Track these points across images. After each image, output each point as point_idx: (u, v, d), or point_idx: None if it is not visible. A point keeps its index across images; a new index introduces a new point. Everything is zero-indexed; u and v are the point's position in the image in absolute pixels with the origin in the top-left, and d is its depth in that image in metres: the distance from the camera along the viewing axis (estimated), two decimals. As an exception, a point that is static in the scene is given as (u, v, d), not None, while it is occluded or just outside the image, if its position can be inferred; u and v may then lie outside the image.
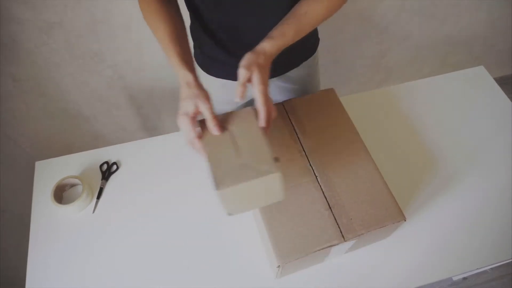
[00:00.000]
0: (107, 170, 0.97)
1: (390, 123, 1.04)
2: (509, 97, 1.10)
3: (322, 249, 0.69)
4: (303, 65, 1.00)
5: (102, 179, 0.95)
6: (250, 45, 0.77)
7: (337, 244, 0.69)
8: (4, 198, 1.38)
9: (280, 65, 0.93)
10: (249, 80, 0.65)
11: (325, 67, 1.64)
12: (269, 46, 0.68)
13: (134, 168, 0.98)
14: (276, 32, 0.69)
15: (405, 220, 0.72)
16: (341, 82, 1.84)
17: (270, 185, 0.60)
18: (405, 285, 0.80)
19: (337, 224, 0.71)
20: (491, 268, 1.59)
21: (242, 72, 0.64)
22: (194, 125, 0.64)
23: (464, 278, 1.60)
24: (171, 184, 0.94)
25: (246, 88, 0.65)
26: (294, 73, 1.00)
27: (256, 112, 0.64)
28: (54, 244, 0.87)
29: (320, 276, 0.81)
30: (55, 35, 1.17)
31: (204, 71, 0.99)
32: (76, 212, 0.90)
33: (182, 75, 0.67)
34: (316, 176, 0.76)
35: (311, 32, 0.90)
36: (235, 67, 0.83)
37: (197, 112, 0.64)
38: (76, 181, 0.93)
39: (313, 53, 1.01)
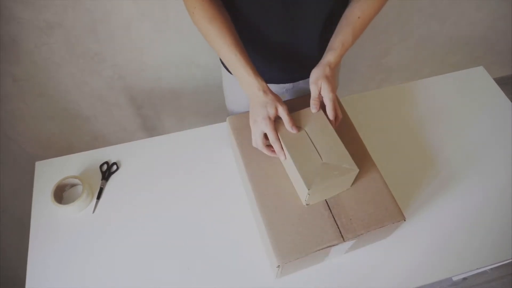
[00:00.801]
0: (107, 170, 0.97)
1: (390, 123, 1.04)
2: (509, 98, 1.10)
3: (322, 249, 0.69)
4: None
5: (102, 179, 0.95)
6: (277, 48, 0.86)
7: (337, 244, 0.70)
8: (4, 198, 1.38)
9: (308, 68, 0.95)
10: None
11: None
12: (333, 58, 0.76)
13: (134, 168, 0.98)
14: (336, 43, 0.76)
15: (404, 220, 0.72)
16: (341, 83, 1.83)
17: (347, 179, 0.71)
18: (405, 285, 0.80)
19: (337, 224, 0.71)
20: (491, 269, 1.59)
21: (312, 88, 0.75)
22: (275, 127, 0.73)
23: (464, 279, 1.60)
24: (171, 184, 0.94)
25: (320, 99, 0.76)
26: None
27: (322, 113, 0.74)
28: (54, 244, 0.87)
29: (320, 276, 0.81)
30: (55, 35, 1.17)
31: (228, 70, 1.00)
32: (76, 212, 0.90)
33: (257, 83, 0.73)
34: None
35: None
36: (262, 68, 0.87)
37: (276, 116, 0.73)
38: (76, 181, 0.93)
39: None
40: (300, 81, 1.02)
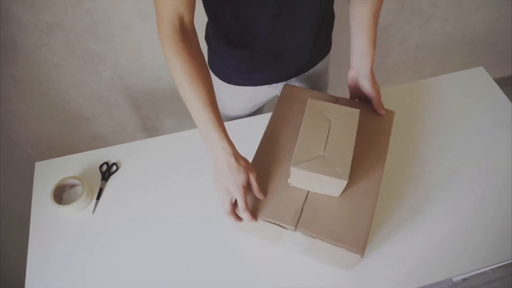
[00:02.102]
0: (107, 171, 0.97)
1: (390, 124, 1.04)
2: (509, 98, 1.10)
3: (272, 223, 0.72)
4: (320, 62, 1.02)
5: (102, 180, 0.95)
6: (270, 48, 0.86)
7: (286, 229, 0.72)
8: (4, 198, 1.38)
9: (301, 66, 0.96)
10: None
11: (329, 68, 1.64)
12: (371, 63, 0.80)
13: (134, 169, 0.98)
14: (371, 50, 0.80)
15: (361, 256, 0.69)
16: (342, 83, 1.83)
17: (334, 184, 0.70)
18: (405, 286, 0.80)
19: (300, 215, 0.72)
20: (491, 269, 1.59)
21: (373, 95, 0.81)
22: (246, 196, 0.71)
23: (464, 279, 1.60)
24: (171, 184, 0.94)
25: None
26: (311, 71, 1.02)
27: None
28: (54, 244, 0.87)
29: (320, 275, 0.81)
30: (55, 35, 1.17)
31: (218, 77, 1.01)
32: (76, 212, 0.90)
33: (228, 148, 0.71)
34: None
35: (330, 29, 0.94)
36: (249, 74, 0.93)
37: (247, 182, 0.71)
38: (76, 181, 0.93)
39: (329, 51, 1.04)
40: (293, 79, 1.02)
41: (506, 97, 1.10)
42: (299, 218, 0.72)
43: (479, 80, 1.14)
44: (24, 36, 1.14)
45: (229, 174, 0.70)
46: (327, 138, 0.73)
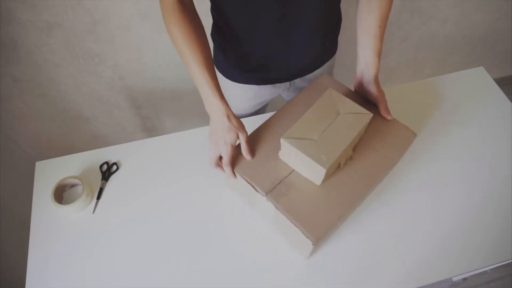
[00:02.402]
0: (107, 171, 0.97)
1: (390, 124, 1.04)
2: (509, 98, 1.10)
3: (248, 183, 0.77)
4: (324, 65, 1.03)
5: (102, 180, 0.95)
6: (273, 49, 0.88)
7: (258, 192, 0.76)
8: (4, 198, 1.38)
9: (306, 67, 0.96)
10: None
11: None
12: (376, 71, 0.83)
13: (134, 169, 0.98)
14: (372, 56, 0.82)
15: (313, 244, 0.71)
16: (342, 83, 1.84)
17: (315, 170, 0.73)
18: (405, 285, 0.80)
19: (277, 185, 0.76)
20: (491, 269, 1.59)
21: (380, 100, 0.84)
22: (233, 152, 0.78)
23: (464, 279, 1.60)
24: (171, 184, 0.94)
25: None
26: (316, 72, 1.03)
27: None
28: (54, 244, 0.87)
29: (320, 275, 0.81)
30: (56, 35, 1.17)
31: (225, 76, 1.02)
32: (76, 212, 0.90)
33: (220, 107, 0.77)
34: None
35: (337, 31, 0.94)
36: (254, 72, 0.96)
37: (236, 141, 0.78)
38: (76, 181, 0.93)
39: (335, 53, 1.04)
40: (297, 79, 1.02)
41: (506, 97, 1.10)
42: (273, 188, 0.76)
43: (479, 80, 1.14)
44: (24, 36, 1.14)
45: (220, 131, 0.77)
46: (327, 127, 0.75)
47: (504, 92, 1.11)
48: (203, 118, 1.72)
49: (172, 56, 1.38)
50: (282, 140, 0.74)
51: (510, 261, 0.87)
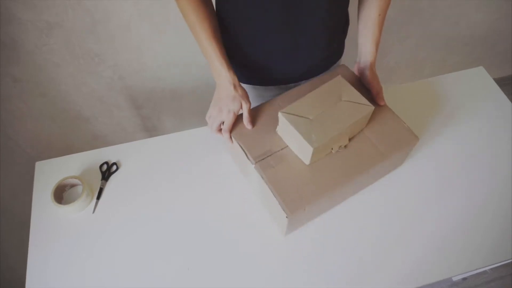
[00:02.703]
0: (107, 171, 0.97)
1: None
2: (509, 98, 1.10)
3: (241, 149, 0.81)
4: (330, 68, 1.03)
5: (102, 180, 0.95)
6: (278, 50, 0.89)
7: (249, 159, 0.80)
8: (4, 198, 1.38)
9: (312, 69, 0.96)
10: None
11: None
12: (373, 58, 0.87)
13: (134, 169, 0.98)
14: (370, 44, 0.86)
15: (286, 217, 0.73)
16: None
17: (304, 148, 0.75)
18: (405, 285, 0.80)
19: (265, 158, 0.80)
20: (491, 269, 1.59)
21: (374, 85, 0.86)
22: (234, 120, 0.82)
23: (464, 279, 1.60)
24: (170, 184, 0.95)
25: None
26: (322, 75, 1.02)
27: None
28: (54, 244, 0.87)
29: (320, 275, 0.81)
30: (56, 35, 1.17)
31: None
32: (76, 212, 0.90)
33: (228, 76, 0.80)
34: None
35: (344, 35, 0.95)
36: (259, 73, 0.97)
37: (239, 110, 0.82)
38: (76, 181, 0.93)
39: (341, 56, 1.04)
40: (302, 82, 1.02)
41: (506, 97, 1.10)
42: (263, 159, 0.80)
43: (479, 80, 1.14)
44: (24, 36, 1.14)
45: (225, 99, 0.81)
46: (326, 110, 0.77)
47: (504, 92, 1.11)
48: (203, 118, 1.72)
49: (172, 56, 1.38)
50: (279, 114, 0.77)
51: (510, 261, 0.87)
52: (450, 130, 1.03)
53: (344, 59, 1.08)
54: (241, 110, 0.82)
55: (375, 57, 0.87)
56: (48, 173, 0.96)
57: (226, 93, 0.80)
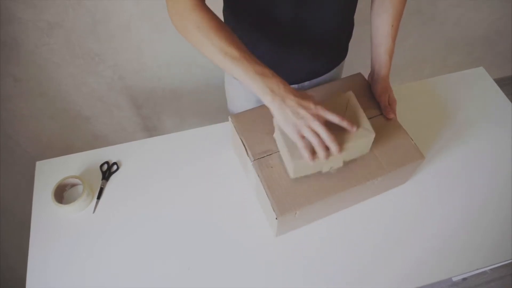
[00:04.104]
0: (108, 170, 0.97)
1: (390, 124, 1.04)
2: (509, 98, 1.10)
3: (243, 144, 0.82)
4: (334, 69, 1.03)
5: (102, 179, 0.95)
6: (285, 50, 0.87)
7: (248, 156, 0.80)
8: (4, 198, 1.38)
9: (315, 70, 0.96)
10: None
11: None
12: (387, 70, 0.85)
13: (135, 168, 0.98)
14: (383, 56, 0.84)
15: (276, 218, 0.73)
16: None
17: (288, 161, 0.75)
18: (405, 285, 0.80)
19: (265, 156, 0.80)
20: (491, 269, 1.59)
21: (382, 99, 0.85)
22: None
23: (464, 279, 1.60)
24: (171, 184, 0.95)
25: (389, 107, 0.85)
26: (324, 76, 1.02)
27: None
28: (55, 244, 0.87)
29: (321, 275, 0.81)
30: (56, 35, 1.17)
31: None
32: (77, 212, 0.90)
33: (280, 82, 0.64)
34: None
35: (349, 38, 0.95)
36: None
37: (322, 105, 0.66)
38: (77, 181, 0.93)
39: (344, 58, 1.04)
40: (306, 83, 1.02)
41: (506, 98, 1.10)
42: (262, 157, 0.80)
43: (479, 81, 1.14)
44: (24, 35, 1.14)
45: (297, 106, 0.62)
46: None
47: (504, 92, 1.11)
48: (203, 118, 1.72)
49: (172, 56, 1.38)
50: (274, 121, 0.73)
51: (510, 261, 0.87)
52: (450, 130, 1.03)
53: (347, 60, 1.08)
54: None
55: (389, 69, 0.85)
56: (49, 173, 0.96)
57: (292, 95, 0.62)
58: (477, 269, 0.83)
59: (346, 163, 0.79)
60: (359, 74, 0.95)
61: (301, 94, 0.64)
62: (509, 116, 1.06)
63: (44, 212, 0.91)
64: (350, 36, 0.99)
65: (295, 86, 1.02)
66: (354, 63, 1.70)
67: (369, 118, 0.84)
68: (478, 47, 1.91)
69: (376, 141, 0.80)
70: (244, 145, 0.82)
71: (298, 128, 0.63)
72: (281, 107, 0.63)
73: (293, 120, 0.63)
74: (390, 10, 0.82)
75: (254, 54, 0.72)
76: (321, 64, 0.97)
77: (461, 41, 1.83)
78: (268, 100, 0.63)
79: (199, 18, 0.65)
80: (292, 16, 0.79)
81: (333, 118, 0.65)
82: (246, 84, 0.64)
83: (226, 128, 0.96)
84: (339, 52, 1.00)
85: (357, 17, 0.96)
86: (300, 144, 0.65)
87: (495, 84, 1.13)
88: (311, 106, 0.63)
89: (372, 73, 0.88)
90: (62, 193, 0.93)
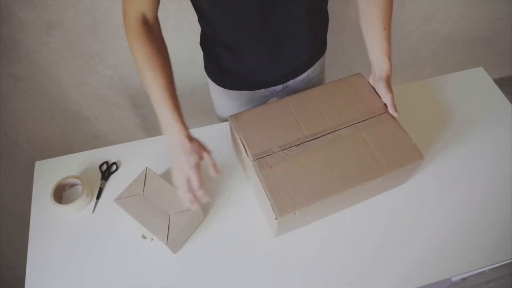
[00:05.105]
0: (107, 170, 0.97)
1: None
2: (508, 99, 1.10)
3: (242, 145, 0.82)
4: (315, 64, 1.02)
5: (101, 179, 0.95)
6: (263, 54, 0.87)
7: (248, 155, 0.80)
8: (4, 198, 1.38)
9: (297, 68, 0.96)
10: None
11: (325, 67, 1.64)
12: (389, 69, 0.85)
13: (134, 168, 0.97)
14: (381, 57, 0.84)
15: (276, 218, 0.73)
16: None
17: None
18: (405, 285, 0.80)
19: (265, 156, 0.80)
20: (490, 269, 1.59)
21: (387, 98, 0.85)
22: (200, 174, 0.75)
23: (463, 279, 1.60)
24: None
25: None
26: (307, 72, 1.02)
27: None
28: (54, 244, 0.87)
29: (321, 275, 0.81)
30: (56, 35, 1.17)
31: (213, 81, 1.02)
32: (76, 212, 0.90)
33: (180, 129, 0.74)
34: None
35: (325, 31, 0.94)
36: (245, 77, 0.95)
37: (199, 161, 0.75)
38: (76, 181, 0.93)
39: (325, 51, 1.04)
40: (290, 81, 1.02)
41: (505, 98, 1.10)
42: (261, 157, 0.80)
43: (479, 81, 1.14)
44: (24, 35, 1.14)
45: (183, 155, 0.73)
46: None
47: (504, 93, 1.11)
48: (203, 118, 1.72)
49: (172, 56, 1.38)
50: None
51: (509, 261, 0.87)
52: (450, 130, 1.03)
53: (332, 55, 1.08)
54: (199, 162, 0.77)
55: (391, 69, 0.85)
56: (48, 173, 0.96)
57: (183, 148, 0.73)
58: (477, 269, 0.84)
59: (347, 160, 0.80)
60: (359, 74, 0.94)
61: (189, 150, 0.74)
62: (509, 116, 1.06)
63: (44, 212, 0.91)
64: (326, 29, 0.98)
65: (280, 87, 1.02)
66: (354, 63, 1.70)
67: (369, 118, 0.85)
68: (478, 47, 1.91)
69: (376, 141, 0.81)
70: (243, 145, 0.82)
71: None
72: (175, 162, 0.75)
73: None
74: (378, 14, 0.81)
75: (231, 61, 0.88)
76: (300, 62, 0.97)
77: (461, 41, 1.83)
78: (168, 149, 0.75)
79: (140, 50, 0.72)
80: (262, 21, 0.78)
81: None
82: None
83: (226, 128, 0.96)
84: (317, 47, 0.99)
85: (354, 15, 0.95)
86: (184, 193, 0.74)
87: (495, 84, 1.13)
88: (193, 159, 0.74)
89: (374, 74, 0.88)
90: (61, 193, 0.93)
